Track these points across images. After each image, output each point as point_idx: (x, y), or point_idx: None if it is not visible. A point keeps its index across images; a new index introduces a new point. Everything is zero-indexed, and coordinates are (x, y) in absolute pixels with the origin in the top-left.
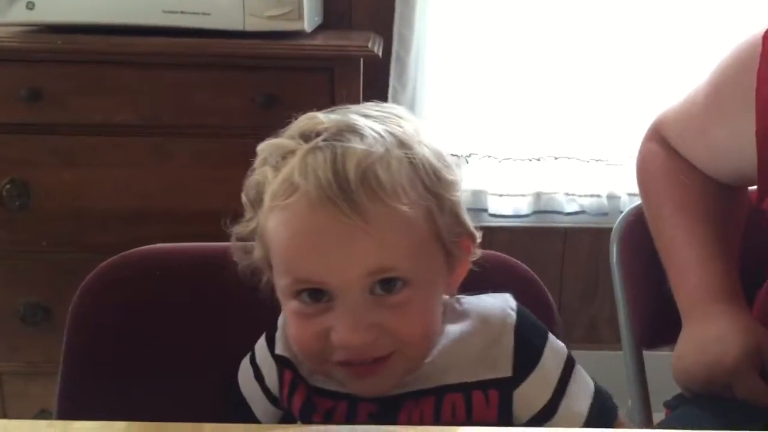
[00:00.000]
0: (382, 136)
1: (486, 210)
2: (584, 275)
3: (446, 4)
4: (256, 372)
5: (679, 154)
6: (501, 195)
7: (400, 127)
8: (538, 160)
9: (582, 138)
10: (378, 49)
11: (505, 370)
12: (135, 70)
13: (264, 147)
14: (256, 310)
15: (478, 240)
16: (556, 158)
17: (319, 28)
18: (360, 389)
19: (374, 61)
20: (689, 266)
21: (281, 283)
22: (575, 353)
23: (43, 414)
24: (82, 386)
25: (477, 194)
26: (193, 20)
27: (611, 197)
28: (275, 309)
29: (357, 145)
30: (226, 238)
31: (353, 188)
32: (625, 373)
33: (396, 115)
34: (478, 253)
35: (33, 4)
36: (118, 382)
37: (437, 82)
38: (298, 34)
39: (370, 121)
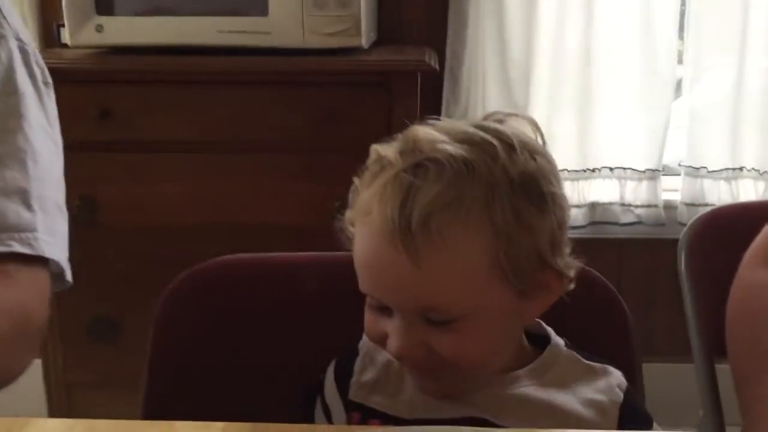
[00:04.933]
0: (465, 173)
1: None
2: (641, 287)
3: (499, 20)
4: (325, 410)
5: None
6: None
7: (496, 160)
8: (593, 170)
9: (638, 148)
10: (435, 63)
11: None
12: (199, 88)
13: (373, 150)
14: (332, 316)
15: (571, 275)
16: (611, 169)
17: (374, 44)
18: (422, 389)
19: (429, 75)
20: None
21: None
22: None
23: None
24: (167, 393)
25: None
26: (255, 39)
27: (668, 207)
28: (351, 315)
29: (432, 186)
30: (290, 249)
31: (413, 232)
32: (697, 383)
33: (507, 140)
34: (571, 286)
35: (102, 27)
36: (202, 388)
37: (490, 94)
38: (356, 50)
39: (464, 150)
